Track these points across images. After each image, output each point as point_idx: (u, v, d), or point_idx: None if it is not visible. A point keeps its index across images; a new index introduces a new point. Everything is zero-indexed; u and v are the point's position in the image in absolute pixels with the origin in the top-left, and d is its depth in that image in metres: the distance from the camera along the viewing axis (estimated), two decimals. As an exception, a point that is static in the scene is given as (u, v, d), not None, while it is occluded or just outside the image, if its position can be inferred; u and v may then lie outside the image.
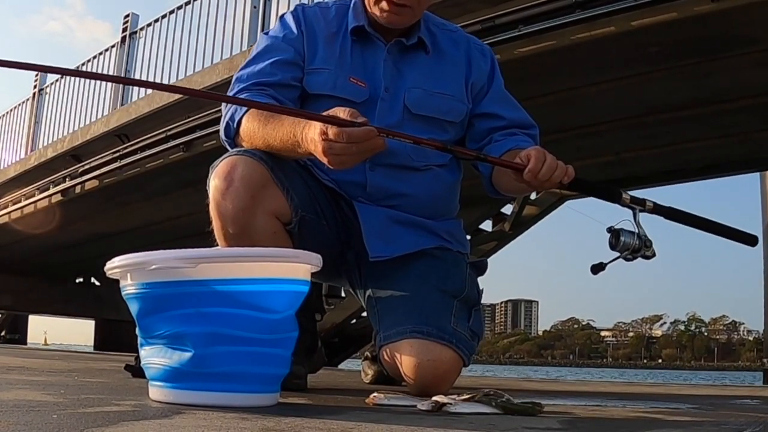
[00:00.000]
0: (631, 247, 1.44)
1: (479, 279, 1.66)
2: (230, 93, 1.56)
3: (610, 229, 1.46)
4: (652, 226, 1.50)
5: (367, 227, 1.53)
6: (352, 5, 1.63)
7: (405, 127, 1.51)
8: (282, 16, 1.66)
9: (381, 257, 1.53)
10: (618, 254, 1.45)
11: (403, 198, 1.59)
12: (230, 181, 1.40)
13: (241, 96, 1.52)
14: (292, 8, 1.66)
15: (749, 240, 1.57)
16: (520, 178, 1.41)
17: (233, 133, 1.51)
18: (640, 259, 1.47)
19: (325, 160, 1.29)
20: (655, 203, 1.49)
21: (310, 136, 1.30)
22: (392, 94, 1.58)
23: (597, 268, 1.49)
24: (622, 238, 1.44)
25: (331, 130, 1.24)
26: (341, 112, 1.25)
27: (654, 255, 1.46)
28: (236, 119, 1.49)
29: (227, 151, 1.53)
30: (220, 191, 1.41)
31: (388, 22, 1.56)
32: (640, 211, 1.47)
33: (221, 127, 1.55)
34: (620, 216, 1.48)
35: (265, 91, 1.53)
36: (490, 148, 1.60)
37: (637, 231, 1.45)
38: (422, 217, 1.61)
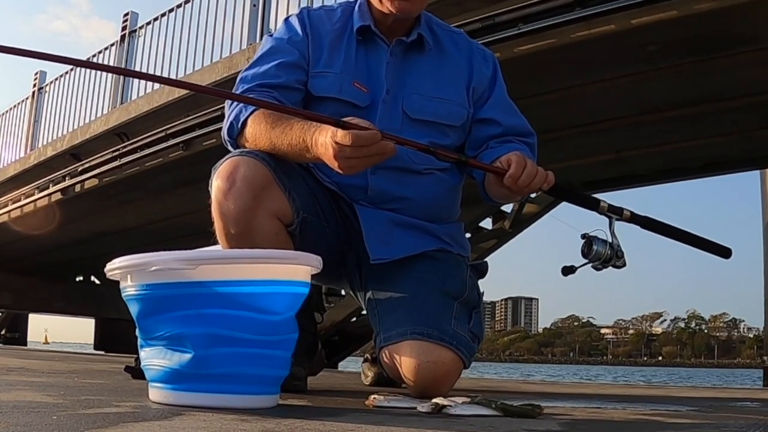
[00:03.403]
0: (603, 256, 1.47)
1: (480, 281, 1.66)
2: (240, 113, 1.55)
3: (584, 236, 1.48)
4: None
5: (368, 230, 1.53)
6: (357, 5, 1.64)
7: (405, 132, 1.51)
8: (287, 19, 1.66)
9: (382, 260, 1.53)
10: (588, 262, 1.47)
11: (405, 201, 1.59)
12: (232, 181, 1.40)
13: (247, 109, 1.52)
14: (296, 11, 1.66)
15: (723, 252, 1.58)
16: (501, 182, 1.44)
17: (236, 134, 1.51)
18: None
19: (335, 165, 1.30)
20: (632, 212, 1.50)
21: (321, 140, 1.31)
22: (393, 97, 1.59)
23: (567, 271, 1.51)
24: (595, 247, 1.46)
25: (339, 133, 1.25)
26: (349, 119, 1.27)
27: (624, 265, 1.48)
28: (241, 119, 1.49)
29: (227, 150, 1.53)
30: (223, 191, 1.41)
31: (401, 11, 1.55)
32: (617, 219, 1.49)
33: (224, 126, 1.54)
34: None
35: (270, 93, 1.53)
36: (485, 154, 1.60)
37: (610, 240, 1.47)
38: (423, 220, 1.61)
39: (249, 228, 1.41)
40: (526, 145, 1.62)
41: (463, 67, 1.66)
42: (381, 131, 1.27)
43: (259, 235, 1.41)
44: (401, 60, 1.62)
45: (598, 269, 1.48)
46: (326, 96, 1.57)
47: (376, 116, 1.54)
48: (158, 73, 8.27)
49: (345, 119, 1.27)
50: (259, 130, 1.45)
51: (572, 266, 1.50)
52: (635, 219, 1.51)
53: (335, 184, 1.57)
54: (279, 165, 1.44)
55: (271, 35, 1.65)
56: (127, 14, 9.14)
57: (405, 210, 1.59)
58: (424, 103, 1.60)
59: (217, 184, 1.42)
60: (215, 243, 1.46)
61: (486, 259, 1.84)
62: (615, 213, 1.49)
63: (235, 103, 1.52)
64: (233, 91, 1.57)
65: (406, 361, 1.43)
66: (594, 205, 1.50)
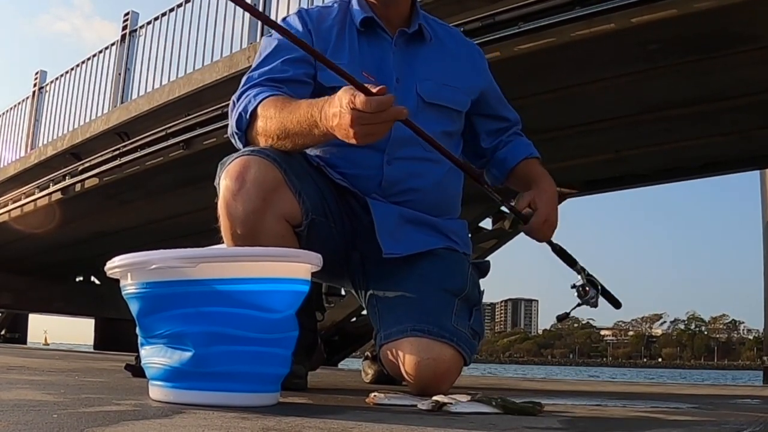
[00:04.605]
0: (591, 302, 1.70)
1: (480, 281, 1.67)
2: (240, 90, 1.55)
3: (573, 287, 1.71)
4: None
5: (380, 225, 1.52)
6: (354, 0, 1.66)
7: (420, 116, 1.53)
8: (284, 19, 1.67)
9: (394, 255, 1.52)
10: (581, 303, 1.71)
11: (416, 192, 1.60)
12: (242, 182, 1.39)
13: (253, 91, 1.51)
14: (296, 9, 1.66)
15: (616, 304, 1.80)
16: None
17: (246, 125, 1.49)
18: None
19: (350, 133, 1.26)
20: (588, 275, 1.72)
21: (332, 111, 1.28)
22: (403, 85, 1.60)
23: (563, 317, 1.74)
24: (589, 290, 1.69)
25: (359, 99, 1.22)
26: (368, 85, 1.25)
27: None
28: (249, 110, 1.48)
29: (230, 147, 1.53)
30: (231, 192, 1.39)
31: None
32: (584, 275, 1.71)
33: (233, 119, 1.53)
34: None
35: (280, 88, 1.52)
36: (505, 153, 1.77)
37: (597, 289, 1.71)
38: (431, 213, 1.62)
39: (256, 229, 1.39)
40: (517, 132, 1.83)
41: (464, 59, 1.72)
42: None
43: (265, 236, 1.40)
44: (404, 50, 1.64)
45: (578, 305, 1.73)
46: (338, 86, 1.56)
47: None
48: (158, 73, 8.29)
49: (366, 85, 1.24)
50: (268, 115, 1.44)
51: (566, 313, 1.74)
52: (589, 278, 1.74)
53: (347, 179, 1.56)
54: (290, 165, 1.43)
55: (271, 35, 1.65)
56: (127, 14, 9.14)
57: (415, 201, 1.60)
58: (436, 88, 1.63)
59: (225, 183, 1.40)
60: (219, 241, 1.45)
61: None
62: (582, 271, 1.73)
63: (243, 98, 1.52)
64: (240, 87, 1.56)
65: (406, 357, 1.43)
66: (572, 264, 1.73)
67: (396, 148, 1.56)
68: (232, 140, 1.56)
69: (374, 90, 1.22)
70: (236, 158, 1.42)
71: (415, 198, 1.60)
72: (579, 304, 1.72)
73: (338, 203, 1.57)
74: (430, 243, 1.59)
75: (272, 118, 1.43)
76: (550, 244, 1.71)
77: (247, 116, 1.48)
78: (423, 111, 1.59)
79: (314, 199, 1.49)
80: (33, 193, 9.79)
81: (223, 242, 1.44)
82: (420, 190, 1.60)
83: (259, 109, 1.47)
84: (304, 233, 1.46)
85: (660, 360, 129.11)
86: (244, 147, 1.51)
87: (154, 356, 1.15)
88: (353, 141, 1.28)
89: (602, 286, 1.74)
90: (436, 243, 1.60)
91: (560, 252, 1.75)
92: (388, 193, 1.57)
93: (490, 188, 1.67)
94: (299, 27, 1.62)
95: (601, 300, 1.71)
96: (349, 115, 1.24)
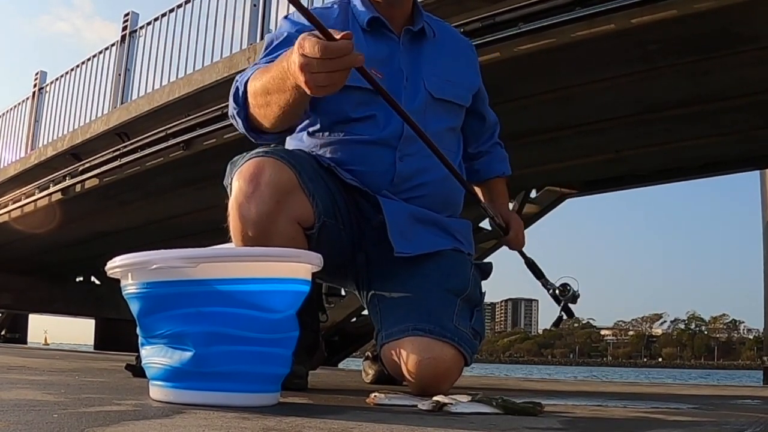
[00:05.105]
0: (569, 296, 1.85)
1: (483, 282, 1.67)
2: (243, 77, 1.53)
3: (553, 287, 1.87)
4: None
5: (391, 223, 1.52)
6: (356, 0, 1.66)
7: (428, 112, 1.56)
8: (287, 16, 1.66)
9: (405, 254, 1.52)
10: (564, 302, 1.85)
11: (425, 187, 1.61)
12: (256, 184, 1.37)
13: (251, 69, 1.49)
14: (294, 10, 1.64)
15: (569, 313, 1.91)
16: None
17: (242, 98, 1.46)
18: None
19: (302, 80, 1.17)
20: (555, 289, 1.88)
21: (293, 57, 1.20)
22: (412, 82, 1.62)
23: (557, 322, 1.91)
24: (569, 288, 1.86)
25: (307, 42, 1.12)
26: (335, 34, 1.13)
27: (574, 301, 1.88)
28: (243, 81, 1.46)
29: (230, 147, 1.52)
30: (245, 194, 1.38)
31: None
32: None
33: (230, 98, 1.50)
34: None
35: None
36: (481, 164, 1.88)
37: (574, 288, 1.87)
38: (437, 208, 1.63)
39: (267, 232, 1.38)
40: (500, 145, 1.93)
41: (462, 55, 1.76)
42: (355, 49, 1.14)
43: (276, 238, 1.38)
44: (409, 48, 1.65)
45: (559, 301, 1.86)
46: (346, 84, 1.55)
47: (400, 99, 1.54)
48: (158, 74, 8.30)
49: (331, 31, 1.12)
50: (255, 83, 1.40)
51: (559, 317, 1.90)
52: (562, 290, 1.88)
53: (357, 177, 1.56)
54: (303, 167, 1.43)
55: (274, 33, 1.64)
56: (127, 14, 9.13)
57: (424, 197, 1.61)
58: (441, 84, 1.65)
59: (238, 185, 1.39)
60: (229, 240, 1.44)
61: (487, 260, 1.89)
62: (547, 284, 1.88)
63: (241, 77, 1.50)
64: (243, 74, 1.54)
65: (407, 357, 1.43)
66: (540, 277, 1.88)
67: (407, 145, 1.57)
68: (234, 122, 1.53)
69: (338, 36, 1.11)
70: (249, 159, 1.41)
71: (424, 193, 1.61)
72: (563, 303, 1.85)
73: (348, 205, 1.57)
74: (438, 244, 1.59)
75: (258, 82, 1.39)
76: (524, 257, 1.86)
77: (242, 88, 1.45)
78: (431, 107, 1.61)
79: (326, 201, 1.48)
80: (33, 194, 9.79)
81: (231, 242, 1.43)
82: (429, 185, 1.61)
83: (249, 81, 1.44)
84: (314, 236, 1.45)
85: (660, 360, 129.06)
86: (244, 124, 1.48)
87: (154, 356, 1.15)
88: (307, 90, 1.18)
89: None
90: (444, 244, 1.61)
91: (531, 265, 1.87)
92: (399, 189, 1.58)
93: (475, 196, 1.81)
94: (305, 21, 1.61)
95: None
96: (298, 60, 1.15)
